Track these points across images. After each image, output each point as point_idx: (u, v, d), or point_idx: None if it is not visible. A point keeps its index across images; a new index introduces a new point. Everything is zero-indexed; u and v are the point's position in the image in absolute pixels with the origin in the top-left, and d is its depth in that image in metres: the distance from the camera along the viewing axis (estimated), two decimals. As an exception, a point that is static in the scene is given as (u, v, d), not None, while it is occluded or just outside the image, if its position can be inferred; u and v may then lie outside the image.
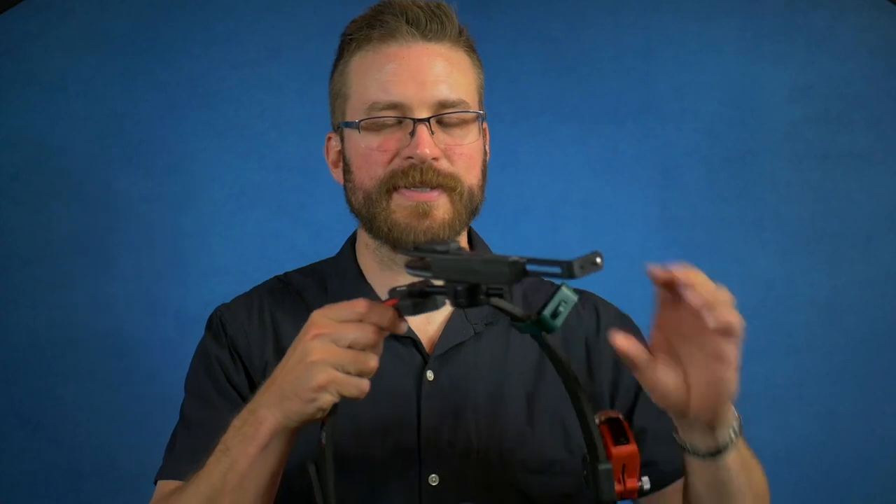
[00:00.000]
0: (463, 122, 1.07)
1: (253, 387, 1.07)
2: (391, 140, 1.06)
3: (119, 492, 1.67)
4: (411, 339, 1.08)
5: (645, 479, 0.88)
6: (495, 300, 0.82)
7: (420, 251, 0.86)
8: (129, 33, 1.72)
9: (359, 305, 0.87)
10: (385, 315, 0.87)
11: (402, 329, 0.88)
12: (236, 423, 0.93)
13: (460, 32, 1.09)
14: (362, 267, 1.14)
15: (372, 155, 1.06)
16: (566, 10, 1.79)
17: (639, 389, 1.10)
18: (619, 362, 1.06)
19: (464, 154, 1.07)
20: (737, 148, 1.78)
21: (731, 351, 0.81)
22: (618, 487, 0.86)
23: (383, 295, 1.09)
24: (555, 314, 0.79)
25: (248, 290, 1.19)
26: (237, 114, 1.74)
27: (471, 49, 1.11)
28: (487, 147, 1.14)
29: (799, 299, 1.77)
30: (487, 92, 1.14)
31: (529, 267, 0.73)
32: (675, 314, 0.82)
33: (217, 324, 1.14)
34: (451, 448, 1.05)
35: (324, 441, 0.87)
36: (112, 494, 1.68)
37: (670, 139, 1.78)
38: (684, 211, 1.77)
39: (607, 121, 1.78)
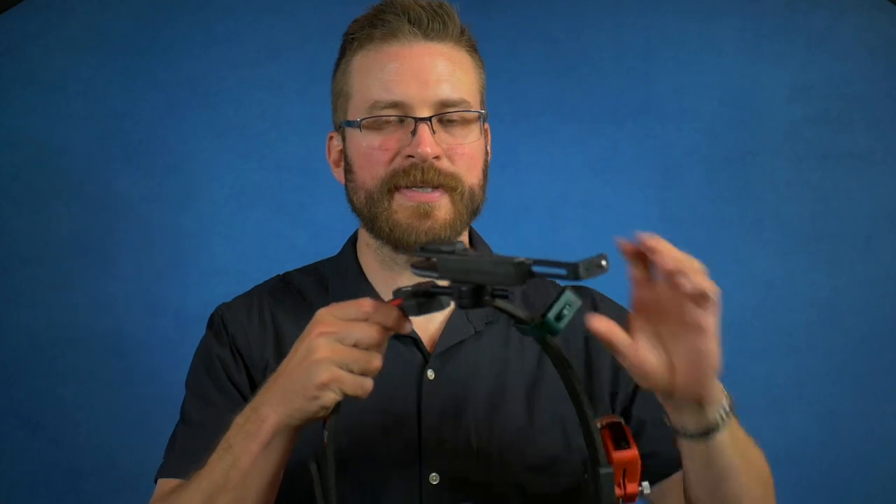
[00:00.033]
0: (464, 122, 1.07)
1: (253, 386, 1.07)
2: (392, 139, 1.06)
3: (119, 492, 1.67)
4: (412, 338, 1.08)
5: (645, 483, 0.88)
6: (499, 302, 0.82)
7: (426, 251, 0.86)
8: (129, 33, 1.72)
9: (365, 305, 0.87)
10: (390, 315, 0.87)
11: (407, 329, 0.89)
12: (239, 420, 0.93)
13: (462, 32, 1.09)
14: (363, 266, 1.14)
15: (373, 154, 1.07)
16: (566, 10, 1.79)
17: None
18: None
19: (465, 154, 1.07)
20: (737, 148, 1.78)
21: (709, 320, 0.80)
22: (618, 492, 0.86)
23: (384, 294, 1.09)
24: (559, 317, 0.79)
25: (248, 289, 1.19)
26: (237, 114, 1.74)
27: (473, 49, 1.11)
28: (489, 147, 1.14)
29: (799, 299, 1.77)
30: (487, 92, 1.14)
31: (535, 268, 0.73)
32: (652, 293, 0.82)
33: (218, 322, 1.14)
34: (452, 447, 1.05)
35: (326, 440, 0.87)
36: (112, 494, 1.68)
37: (670, 139, 1.78)
38: (684, 211, 1.77)
39: (607, 121, 1.78)
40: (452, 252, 0.82)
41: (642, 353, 0.83)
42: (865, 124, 1.78)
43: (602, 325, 0.81)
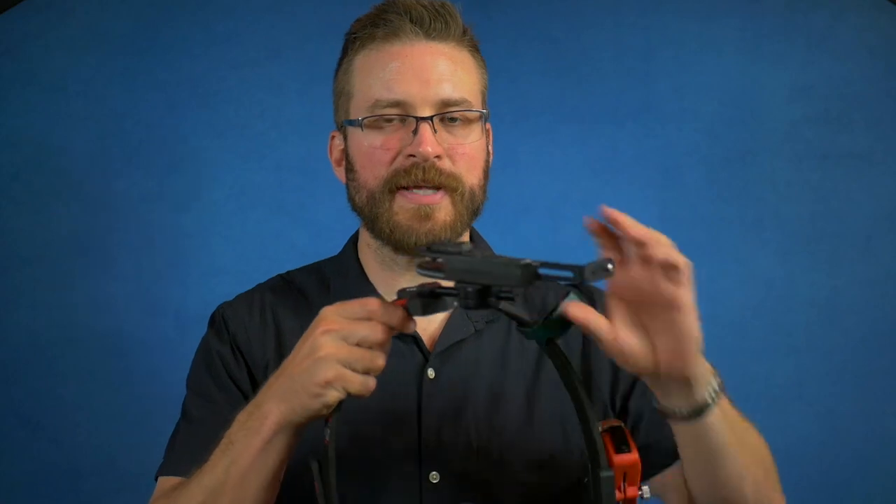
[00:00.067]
0: (466, 122, 1.07)
1: (254, 384, 1.07)
2: (394, 139, 1.06)
3: (119, 492, 1.67)
4: (412, 337, 1.08)
5: (645, 487, 0.88)
6: (503, 304, 0.82)
7: (432, 251, 0.86)
8: (129, 33, 1.72)
9: (370, 304, 0.88)
10: (395, 315, 0.88)
11: (411, 329, 0.89)
12: (241, 417, 0.93)
13: (464, 32, 1.09)
14: (364, 266, 1.14)
15: (375, 153, 1.06)
16: (566, 10, 1.79)
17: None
18: None
19: (466, 154, 1.07)
20: (737, 148, 1.78)
21: (684, 295, 0.80)
22: (618, 496, 0.86)
23: (385, 294, 1.09)
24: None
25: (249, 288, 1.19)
26: (237, 114, 1.74)
27: (475, 49, 1.11)
28: (490, 147, 1.14)
29: (799, 299, 1.77)
30: (488, 92, 1.14)
31: (542, 271, 0.73)
32: (627, 275, 0.81)
33: (219, 320, 1.14)
34: (452, 446, 1.05)
35: (328, 438, 0.87)
36: (112, 494, 1.68)
37: (670, 139, 1.78)
38: (684, 211, 1.77)
39: (607, 121, 1.78)
40: (459, 252, 0.82)
41: (622, 335, 0.82)
42: (865, 124, 1.78)
43: (579, 311, 0.81)
